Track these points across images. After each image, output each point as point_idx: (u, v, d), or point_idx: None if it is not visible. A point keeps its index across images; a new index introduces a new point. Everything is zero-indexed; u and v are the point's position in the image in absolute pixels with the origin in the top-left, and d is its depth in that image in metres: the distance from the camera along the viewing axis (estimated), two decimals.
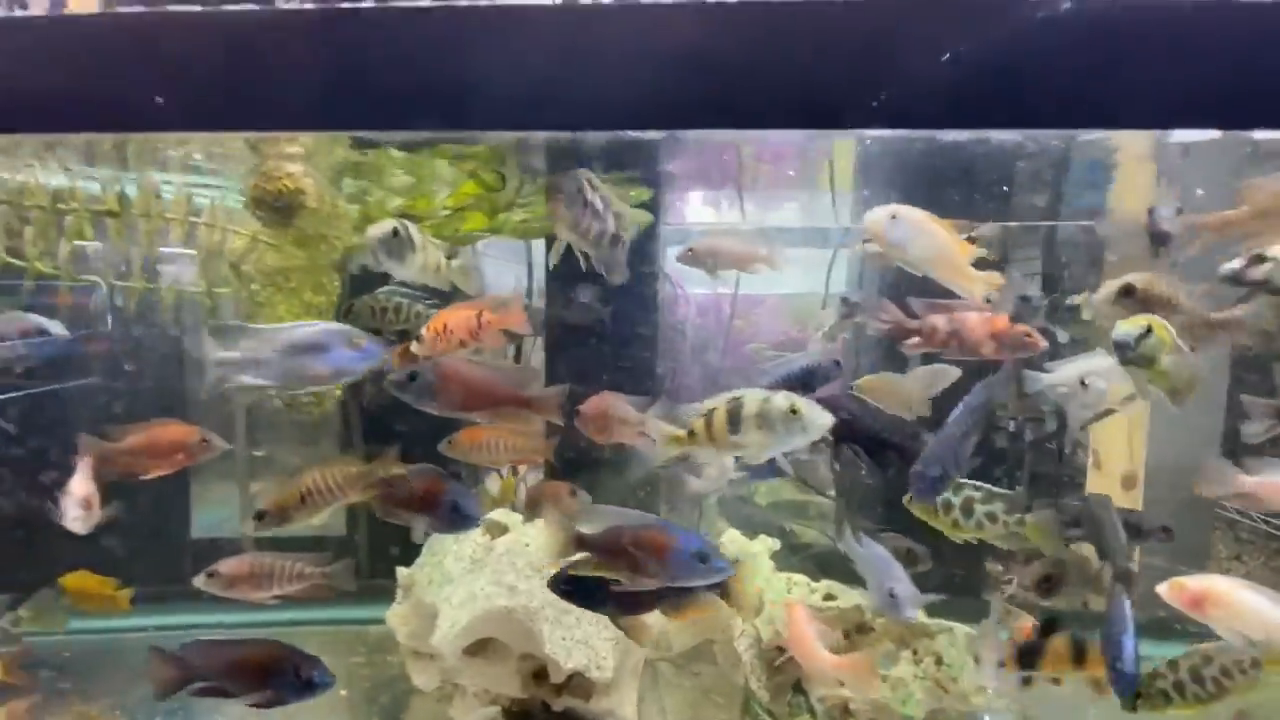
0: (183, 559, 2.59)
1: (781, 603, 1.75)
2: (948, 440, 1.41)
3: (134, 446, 1.72)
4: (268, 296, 1.59)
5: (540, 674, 1.66)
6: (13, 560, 2.13)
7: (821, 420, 1.16)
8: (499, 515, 1.82)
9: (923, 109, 1.09)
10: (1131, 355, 1.24)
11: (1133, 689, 1.35)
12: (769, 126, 1.21)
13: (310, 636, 2.24)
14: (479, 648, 1.63)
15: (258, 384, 1.14)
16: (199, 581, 1.69)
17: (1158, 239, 1.48)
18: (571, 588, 1.28)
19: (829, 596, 1.90)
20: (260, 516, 1.32)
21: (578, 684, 1.61)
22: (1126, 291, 1.36)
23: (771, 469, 1.81)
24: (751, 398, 1.17)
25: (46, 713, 1.89)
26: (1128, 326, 1.24)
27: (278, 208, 1.42)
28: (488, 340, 1.38)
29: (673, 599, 1.28)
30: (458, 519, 1.29)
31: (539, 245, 2.32)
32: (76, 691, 1.98)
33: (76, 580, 1.98)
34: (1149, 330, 1.23)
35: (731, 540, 2.05)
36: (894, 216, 1.37)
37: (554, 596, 1.58)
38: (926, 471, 1.40)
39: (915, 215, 1.39)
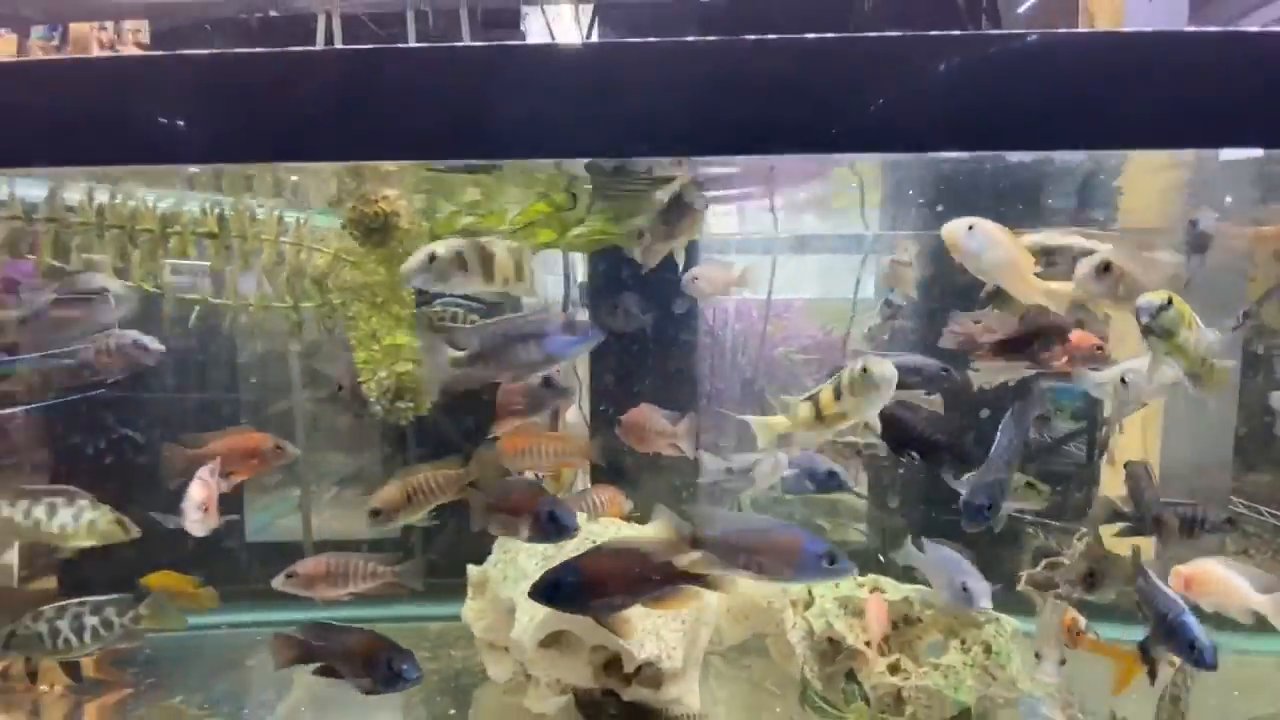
0: (241, 561, 2.69)
1: (864, 597, 1.84)
2: (994, 469, 1.50)
3: (214, 453, 1.84)
4: (356, 310, 1.70)
5: (610, 664, 1.75)
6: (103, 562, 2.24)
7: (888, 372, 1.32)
8: None
9: (911, 133, 1.22)
10: (1152, 324, 1.33)
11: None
12: (772, 152, 1.34)
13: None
14: (552, 640, 1.73)
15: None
16: (278, 582, 1.80)
17: (1196, 246, 1.59)
18: (552, 593, 1.30)
19: (875, 590, 1.98)
20: (375, 514, 1.42)
21: (646, 674, 1.70)
22: (1105, 268, 1.46)
23: (799, 484, 1.92)
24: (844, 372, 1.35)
25: (135, 706, 1.99)
26: (1151, 296, 1.32)
27: (374, 229, 1.53)
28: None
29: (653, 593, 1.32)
30: (556, 529, 1.35)
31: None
32: (162, 686, 2.08)
33: (158, 580, 2.09)
34: (1170, 302, 1.31)
35: None
36: (971, 228, 1.48)
37: None
38: (975, 501, 1.49)
39: (989, 227, 1.50)
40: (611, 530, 1.82)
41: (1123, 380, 1.59)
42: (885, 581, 1.99)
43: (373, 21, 3.24)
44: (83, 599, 1.78)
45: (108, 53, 4.23)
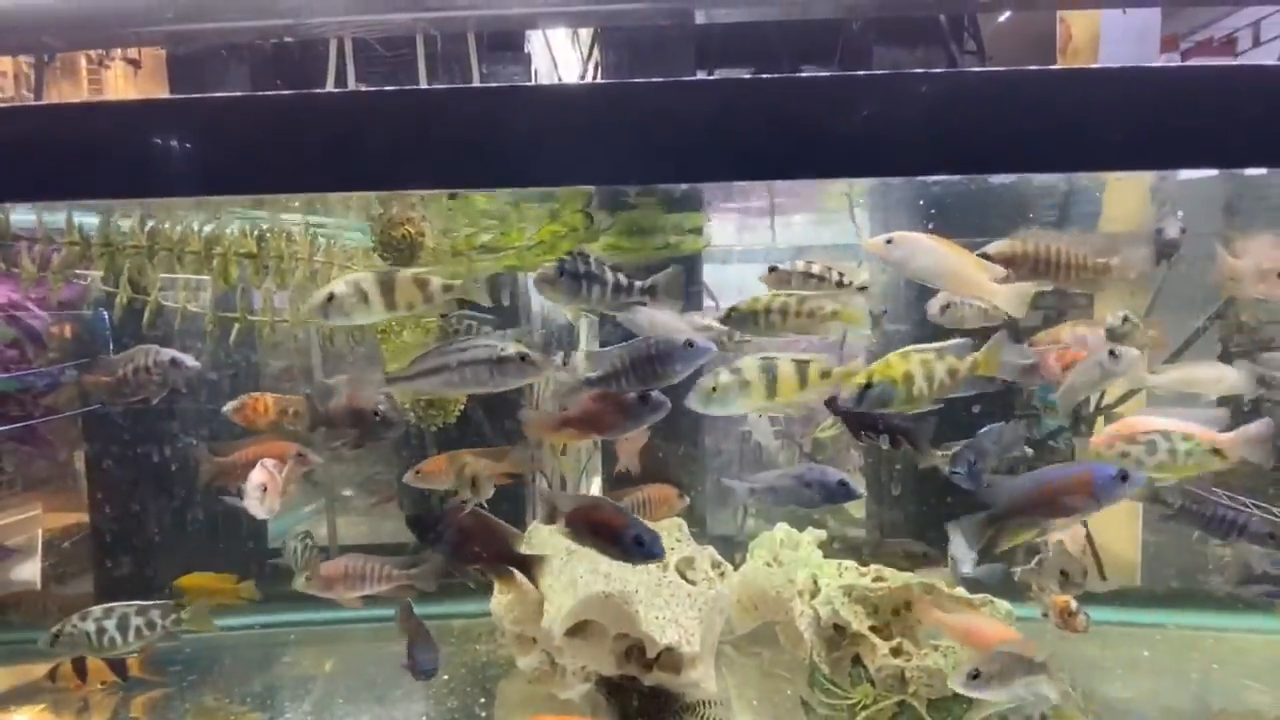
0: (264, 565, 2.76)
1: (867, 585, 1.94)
2: (988, 439, 1.63)
3: (241, 461, 1.93)
4: (387, 324, 1.79)
5: (631, 652, 1.84)
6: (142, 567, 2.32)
7: None
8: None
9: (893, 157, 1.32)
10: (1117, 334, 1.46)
11: None
12: (769, 178, 1.46)
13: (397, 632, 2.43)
14: (578, 629, 1.82)
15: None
16: (299, 584, 1.88)
17: (1164, 250, 1.72)
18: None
19: (878, 578, 2.09)
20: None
21: (666, 659, 1.79)
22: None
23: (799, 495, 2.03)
24: None
25: (178, 703, 2.07)
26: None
27: (401, 249, 1.63)
28: None
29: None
30: (640, 553, 1.42)
31: None
32: (202, 684, 2.16)
33: (194, 581, 2.17)
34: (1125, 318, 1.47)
35: (786, 533, 2.24)
36: (889, 241, 1.59)
37: (647, 580, 1.78)
38: (965, 454, 1.61)
39: (911, 237, 1.60)
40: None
41: (1111, 352, 1.72)
42: (886, 571, 2.09)
43: (383, 45, 3.34)
44: (129, 602, 1.86)
45: (94, 68, 4.29)
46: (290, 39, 3.29)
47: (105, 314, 2.26)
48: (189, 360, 1.88)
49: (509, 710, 2.01)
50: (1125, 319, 1.86)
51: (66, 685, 2.01)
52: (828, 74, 1.34)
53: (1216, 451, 1.56)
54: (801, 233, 2.95)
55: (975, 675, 1.61)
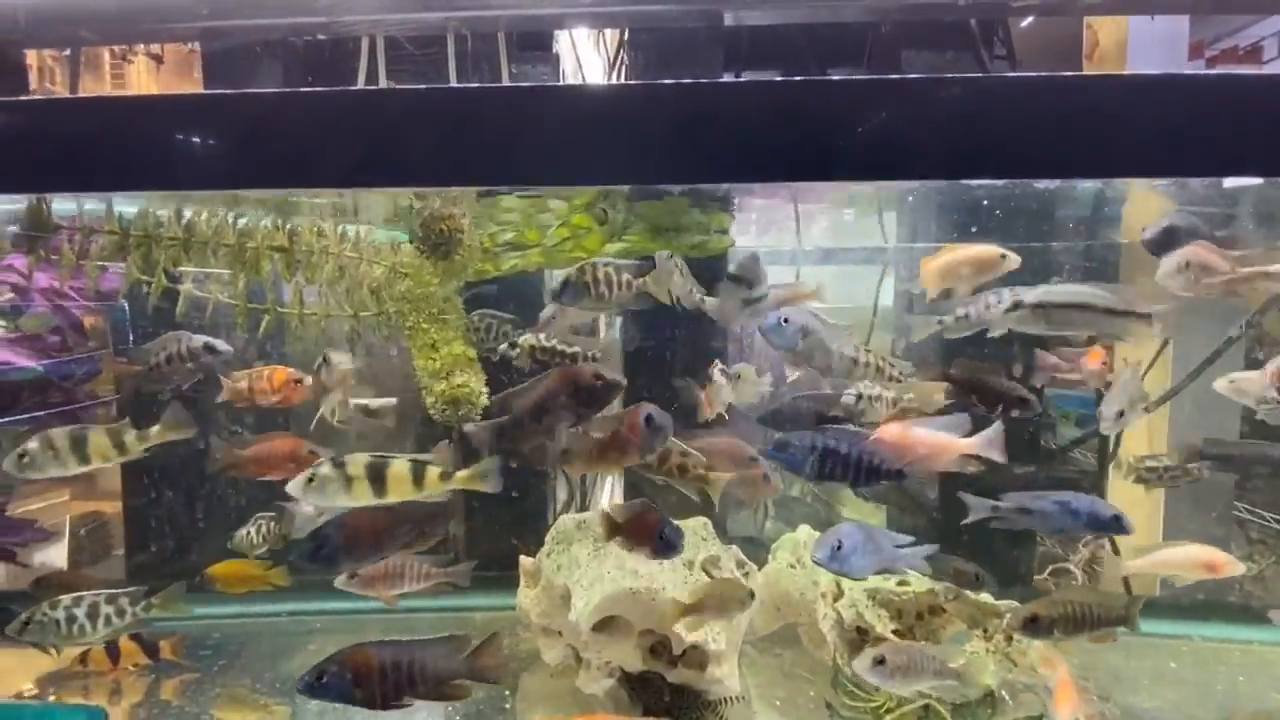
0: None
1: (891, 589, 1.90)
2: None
3: (255, 456, 1.92)
4: (414, 322, 1.77)
5: (656, 648, 1.82)
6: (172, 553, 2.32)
7: None
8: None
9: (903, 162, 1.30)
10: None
11: None
12: (796, 179, 1.43)
13: (422, 624, 2.42)
14: (603, 624, 1.79)
15: None
16: (340, 581, 1.87)
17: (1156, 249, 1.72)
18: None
19: (902, 583, 2.04)
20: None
21: (692, 656, 1.76)
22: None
23: None
24: None
25: (208, 688, 2.06)
26: None
27: (439, 243, 1.61)
28: None
29: None
30: (666, 548, 1.45)
31: None
32: (231, 669, 2.16)
33: (224, 568, 2.17)
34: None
35: (809, 535, 2.20)
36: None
37: (673, 577, 1.75)
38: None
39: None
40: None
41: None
42: (911, 575, 2.05)
43: (414, 44, 3.33)
44: (98, 590, 1.80)
45: (117, 63, 4.30)
46: (323, 36, 3.30)
47: (125, 305, 2.26)
48: (222, 345, 1.87)
49: (531, 704, 1.99)
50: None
51: (98, 668, 2.02)
52: (855, 77, 1.31)
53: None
54: (828, 236, 2.91)
55: (880, 661, 1.61)
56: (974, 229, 2.41)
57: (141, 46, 3.98)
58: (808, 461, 1.54)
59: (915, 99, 1.28)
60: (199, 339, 1.88)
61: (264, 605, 2.40)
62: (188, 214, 1.67)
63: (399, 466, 1.45)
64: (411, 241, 1.67)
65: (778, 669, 2.15)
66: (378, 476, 1.43)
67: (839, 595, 2.03)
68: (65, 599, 1.62)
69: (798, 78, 1.36)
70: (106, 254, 1.56)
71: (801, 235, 2.71)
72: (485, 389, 1.76)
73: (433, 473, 1.46)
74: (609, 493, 2.90)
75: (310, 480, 1.40)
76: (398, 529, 1.48)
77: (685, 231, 2.03)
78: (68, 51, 3.36)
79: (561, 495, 2.92)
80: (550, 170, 1.38)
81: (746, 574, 1.92)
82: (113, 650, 2.00)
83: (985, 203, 2.44)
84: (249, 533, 2.17)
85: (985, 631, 1.92)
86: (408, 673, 1.37)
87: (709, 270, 2.46)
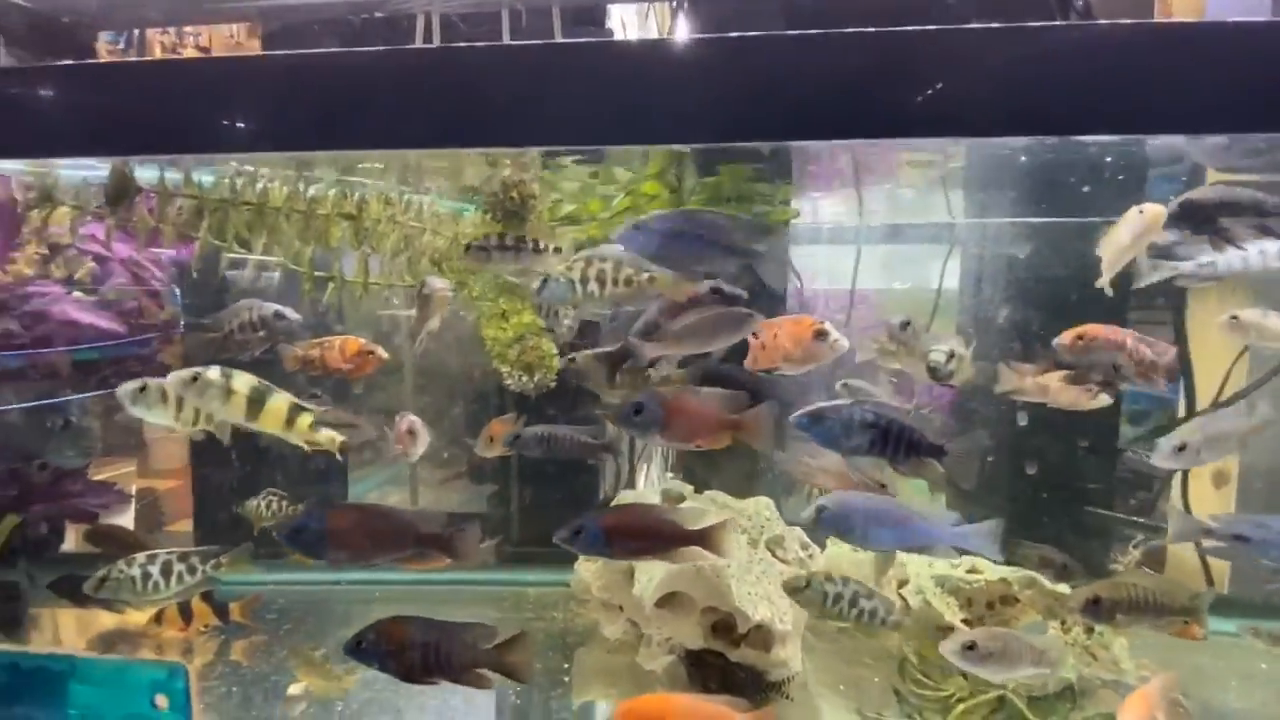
0: None
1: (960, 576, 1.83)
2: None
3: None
4: (482, 291, 1.75)
5: (718, 626, 1.78)
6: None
7: None
8: (674, 484, 1.95)
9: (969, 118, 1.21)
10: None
11: None
12: (859, 137, 1.35)
13: (478, 597, 2.44)
14: (665, 600, 1.76)
15: None
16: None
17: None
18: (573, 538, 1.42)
19: (972, 570, 1.96)
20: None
21: (756, 636, 1.72)
22: None
23: None
24: None
25: (277, 649, 2.11)
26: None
27: (512, 211, 1.58)
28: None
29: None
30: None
31: None
32: (297, 633, 2.21)
33: None
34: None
35: None
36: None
37: (738, 556, 1.70)
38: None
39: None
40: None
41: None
42: (980, 562, 1.96)
43: (468, 22, 3.31)
44: (171, 549, 1.86)
45: (167, 55, 4.42)
46: (380, 14, 3.31)
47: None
48: (291, 313, 1.88)
49: (587, 678, 1.98)
50: None
51: (171, 628, 2.08)
52: (914, 28, 1.23)
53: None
54: (893, 211, 2.79)
55: (971, 647, 1.49)
56: (1055, 202, 2.28)
57: (190, 38, 4.06)
58: (843, 435, 1.46)
59: (988, 49, 1.20)
60: (270, 306, 1.88)
61: (325, 573, 2.45)
62: (259, 182, 1.69)
63: (279, 402, 1.43)
64: (483, 209, 1.65)
65: (835, 653, 2.09)
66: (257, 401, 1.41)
67: (904, 581, 1.96)
68: (140, 557, 1.66)
69: (863, 29, 1.28)
70: (184, 219, 1.58)
71: (863, 211, 2.61)
72: (557, 354, 1.73)
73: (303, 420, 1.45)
74: (653, 469, 2.87)
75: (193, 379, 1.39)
76: (393, 536, 1.41)
77: (747, 201, 1.96)
78: (121, 45, 3.46)
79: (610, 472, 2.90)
80: (619, 129, 1.34)
81: (810, 556, 1.87)
82: (185, 610, 2.06)
83: (1058, 171, 2.29)
84: (259, 504, 2.26)
85: (1063, 623, 1.83)
86: (434, 653, 1.39)
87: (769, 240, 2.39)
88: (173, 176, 1.66)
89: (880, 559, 1.94)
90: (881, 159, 2.35)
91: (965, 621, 1.87)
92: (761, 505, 1.88)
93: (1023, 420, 2.33)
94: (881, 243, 2.70)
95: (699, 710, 1.41)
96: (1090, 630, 1.80)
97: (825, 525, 1.47)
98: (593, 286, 1.55)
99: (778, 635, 1.68)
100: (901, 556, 2.02)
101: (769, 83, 1.28)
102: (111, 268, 1.87)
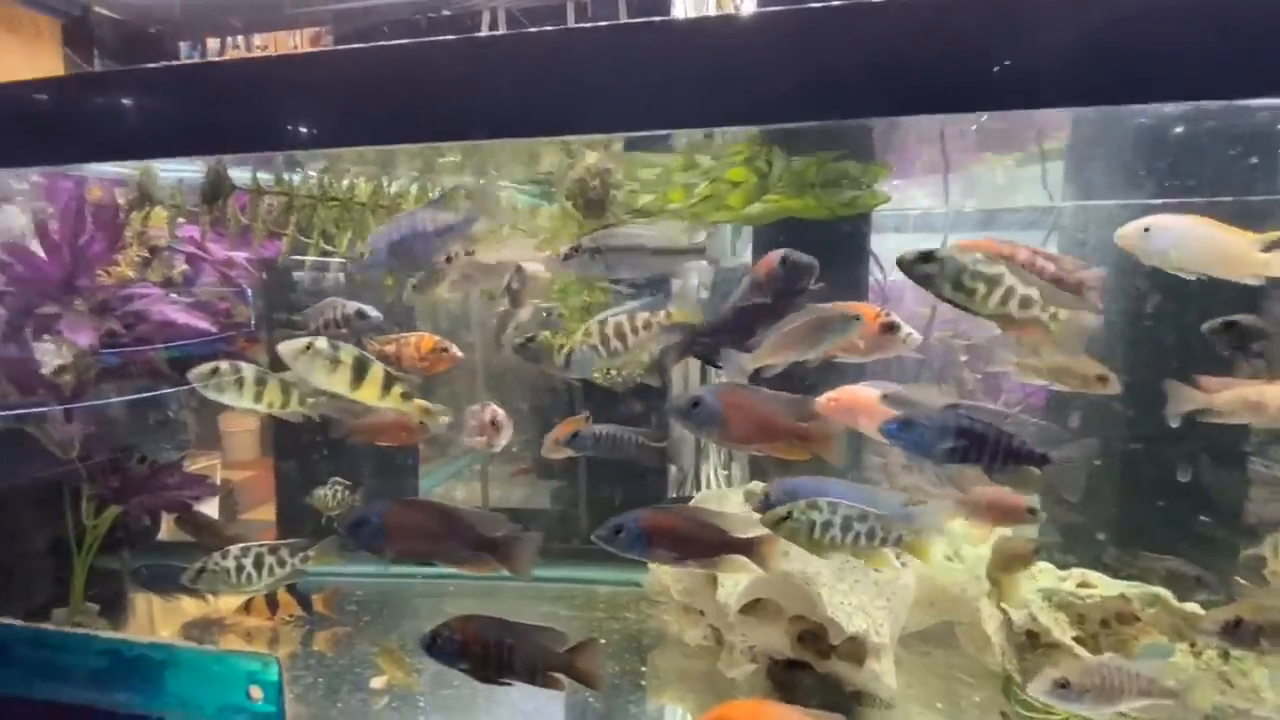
0: None
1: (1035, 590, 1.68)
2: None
3: (369, 425, 1.97)
4: (564, 286, 1.71)
5: (805, 636, 1.69)
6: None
7: None
8: (758, 486, 1.87)
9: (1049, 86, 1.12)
10: None
11: None
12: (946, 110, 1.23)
13: (549, 595, 2.42)
14: (749, 607, 1.69)
15: None
16: None
17: None
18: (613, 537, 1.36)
19: (1084, 584, 1.81)
20: None
21: (848, 648, 1.62)
22: None
23: None
24: None
25: (357, 641, 2.14)
26: None
27: (595, 200, 1.53)
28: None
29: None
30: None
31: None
32: (375, 625, 2.24)
33: None
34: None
35: (967, 528, 1.99)
36: (1147, 229, 1.34)
37: (830, 563, 1.61)
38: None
39: (1173, 223, 1.36)
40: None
41: None
42: (1094, 576, 1.81)
43: (531, 17, 3.31)
44: (263, 541, 1.86)
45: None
46: (447, 12, 3.34)
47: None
48: (373, 311, 1.90)
49: (664, 682, 1.92)
50: None
51: (259, 617, 2.14)
52: None
53: None
54: (984, 196, 2.61)
55: (1064, 685, 1.34)
56: (1168, 182, 2.08)
57: (258, 46, 4.21)
58: (937, 443, 1.34)
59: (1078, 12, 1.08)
60: (352, 305, 1.91)
61: (400, 566, 2.48)
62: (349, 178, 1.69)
63: (378, 371, 1.46)
64: (566, 198, 1.61)
65: (927, 669, 1.97)
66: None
67: (1005, 595, 1.82)
68: (234, 549, 1.70)
69: None
70: (275, 217, 1.60)
71: (952, 195, 2.44)
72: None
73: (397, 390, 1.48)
74: (713, 469, 2.79)
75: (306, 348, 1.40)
76: (451, 538, 1.40)
77: (833, 186, 1.85)
78: (196, 56, 3.62)
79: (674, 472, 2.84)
80: (696, 111, 1.27)
81: (904, 565, 1.75)
82: (272, 601, 2.12)
83: (1174, 149, 2.08)
84: (325, 494, 2.32)
85: (1193, 645, 1.66)
86: (507, 653, 1.39)
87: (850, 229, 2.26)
88: (262, 176, 1.68)
89: (1001, 558, 1.80)
90: (970, 137, 2.19)
91: (1077, 639, 1.72)
92: None
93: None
94: (972, 229, 2.53)
95: None
96: (1226, 655, 1.63)
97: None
98: (615, 344, 1.56)
99: (872, 648, 1.58)
100: (1002, 570, 1.88)
101: (848, 56, 1.20)
102: (201, 268, 1.93)
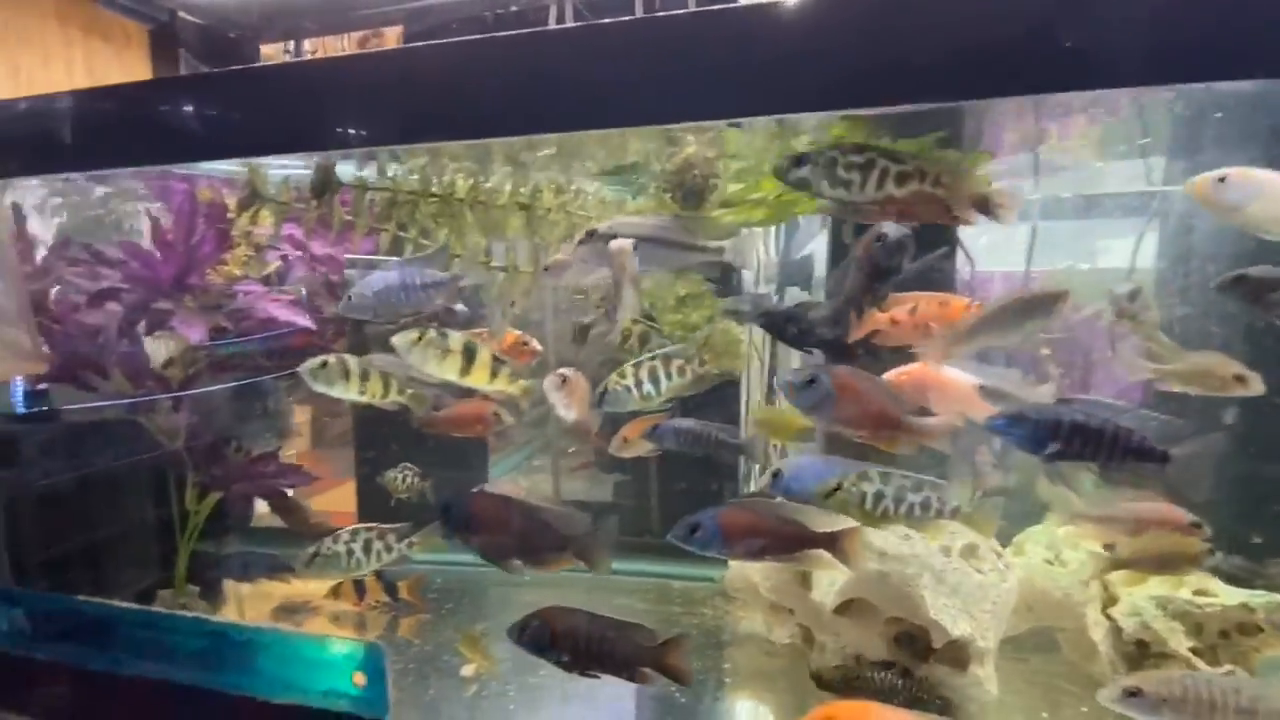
0: None
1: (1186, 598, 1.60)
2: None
3: (448, 417, 1.99)
4: (657, 278, 1.70)
5: (901, 638, 1.65)
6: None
7: None
8: (834, 481, 1.83)
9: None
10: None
11: None
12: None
13: (622, 589, 2.43)
14: (843, 607, 1.65)
15: None
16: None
17: None
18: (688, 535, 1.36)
19: (1202, 591, 1.71)
20: None
21: (949, 652, 1.57)
22: None
23: None
24: None
25: (441, 628, 2.19)
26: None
27: (693, 190, 1.51)
28: None
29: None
30: None
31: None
32: (458, 613, 2.28)
33: None
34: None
35: (1066, 529, 1.91)
36: (1222, 179, 1.24)
37: (930, 564, 1.56)
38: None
39: (1256, 175, 1.24)
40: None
41: None
42: (1212, 583, 1.71)
43: (597, 12, 3.30)
44: (370, 525, 1.94)
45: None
46: (514, 8, 3.36)
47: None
48: (460, 307, 1.93)
49: (746, 679, 1.90)
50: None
51: (346, 602, 2.20)
52: None
53: None
54: (1072, 180, 2.49)
55: (1135, 694, 1.21)
56: None
57: (309, 52, 4.33)
58: (1048, 439, 1.28)
59: None
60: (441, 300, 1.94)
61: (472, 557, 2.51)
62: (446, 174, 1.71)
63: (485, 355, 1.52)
64: (664, 190, 1.59)
65: (1023, 677, 1.89)
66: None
67: (1114, 600, 1.74)
68: (344, 534, 1.75)
69: None
70: (378, 212, 1.63)
71: (1040, 181, 2.33)
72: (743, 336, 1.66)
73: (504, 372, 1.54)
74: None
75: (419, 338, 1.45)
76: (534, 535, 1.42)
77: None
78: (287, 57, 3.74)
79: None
80: (775, 98, 1.23)
81: (1006, 566, 1.69)
82: (359, 587, 2.18)
83: None
84: (395, 476, 2.38)
85: None
86: (598, 646, 1.40)
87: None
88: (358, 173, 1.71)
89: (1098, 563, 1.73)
90: (1058, 120, 2.09)
91: (1193, 650, 1.63)
92: None
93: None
94: (1070, 217, 2.41)
95: None
96: None
97: (782, 490, 1.40)
98: (648, 387, 1.62)
99: (975, 653, 1.53)
100: (1111, 574, 1.79)
101: (936, 37, 1.15)
102: (295, 264, 1.98)
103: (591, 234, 1.40)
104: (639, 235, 1.42)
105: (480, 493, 1.45)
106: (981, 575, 1.59)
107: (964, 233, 2.34)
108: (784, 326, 1.53)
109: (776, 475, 1.40)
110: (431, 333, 1.41)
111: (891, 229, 1.36)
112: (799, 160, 1.23)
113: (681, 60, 1.25)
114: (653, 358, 1.64)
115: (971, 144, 2.12)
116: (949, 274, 2.31)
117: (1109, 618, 1.74)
